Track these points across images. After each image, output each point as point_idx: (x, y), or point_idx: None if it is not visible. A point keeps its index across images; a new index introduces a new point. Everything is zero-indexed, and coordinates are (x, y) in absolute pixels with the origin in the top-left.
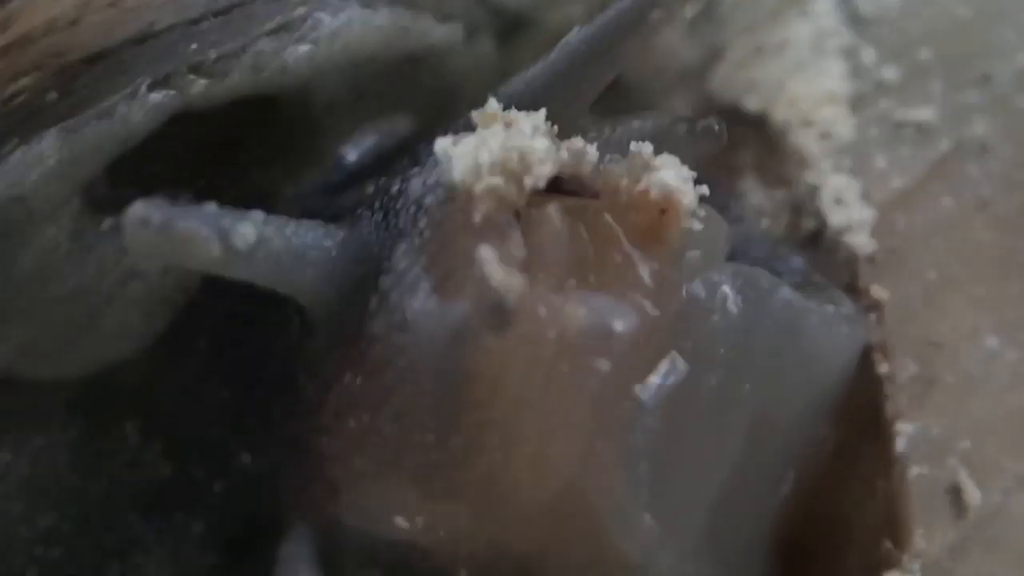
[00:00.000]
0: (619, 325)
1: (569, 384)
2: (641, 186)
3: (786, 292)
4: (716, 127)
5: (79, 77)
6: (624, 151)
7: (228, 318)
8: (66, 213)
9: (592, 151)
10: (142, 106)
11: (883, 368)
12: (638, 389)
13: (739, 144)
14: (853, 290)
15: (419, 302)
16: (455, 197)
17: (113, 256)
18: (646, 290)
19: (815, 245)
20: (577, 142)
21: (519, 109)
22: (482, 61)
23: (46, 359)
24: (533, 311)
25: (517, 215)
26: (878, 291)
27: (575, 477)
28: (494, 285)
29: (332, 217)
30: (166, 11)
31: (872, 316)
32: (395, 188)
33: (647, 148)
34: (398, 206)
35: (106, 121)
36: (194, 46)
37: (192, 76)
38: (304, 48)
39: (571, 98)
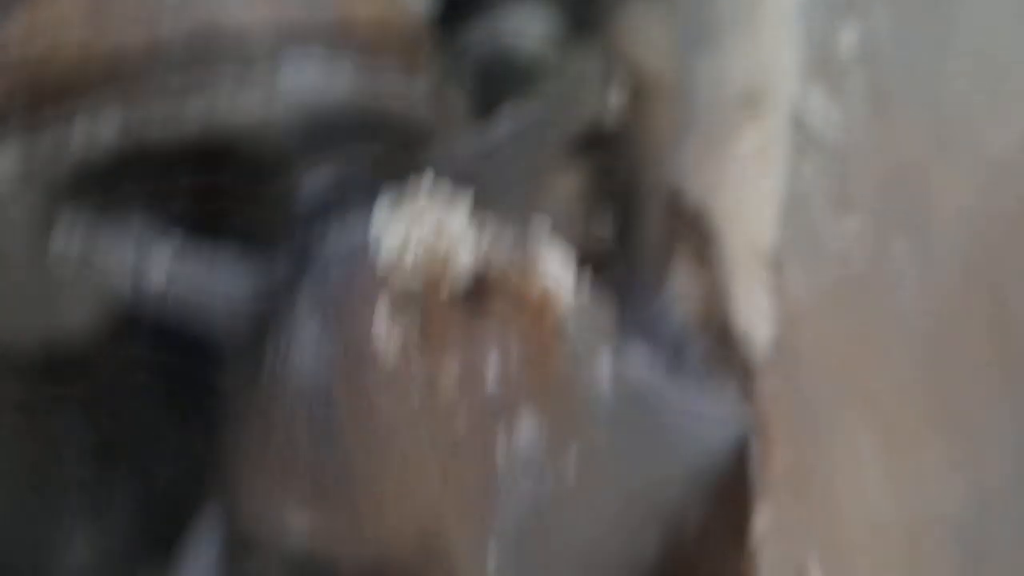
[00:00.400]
0: (489, 385)
1: (432, 433)
2: (524, 282)
3: (667, 378)
4: (605, 229)
5: (46, 97)
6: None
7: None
8: (26, 211)
9: (505, 253)
10: (98, 128)
11: (756, 457)
12: (497, 444)
13: (681, 231)
14: (745, 385)
15: (306, 338)
16: (368, 270)
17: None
18: (520, 361)
19: (721, 337)
20: (496, 245)
21: (453, 177)
22: (450, 114)
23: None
24: (408, 360)
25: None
26: (767, 388)
27: (433, 519)
28: (375, 333)
29: (272, 252)
30: (136, 57)
31: (755, 410)
32: (313, 239)
33: (536, 241)
34: (312, 257)
35: (63, 138)
36: (156, 90)
37: (148, 116)
38: (260, 104)
39: (501, 173)
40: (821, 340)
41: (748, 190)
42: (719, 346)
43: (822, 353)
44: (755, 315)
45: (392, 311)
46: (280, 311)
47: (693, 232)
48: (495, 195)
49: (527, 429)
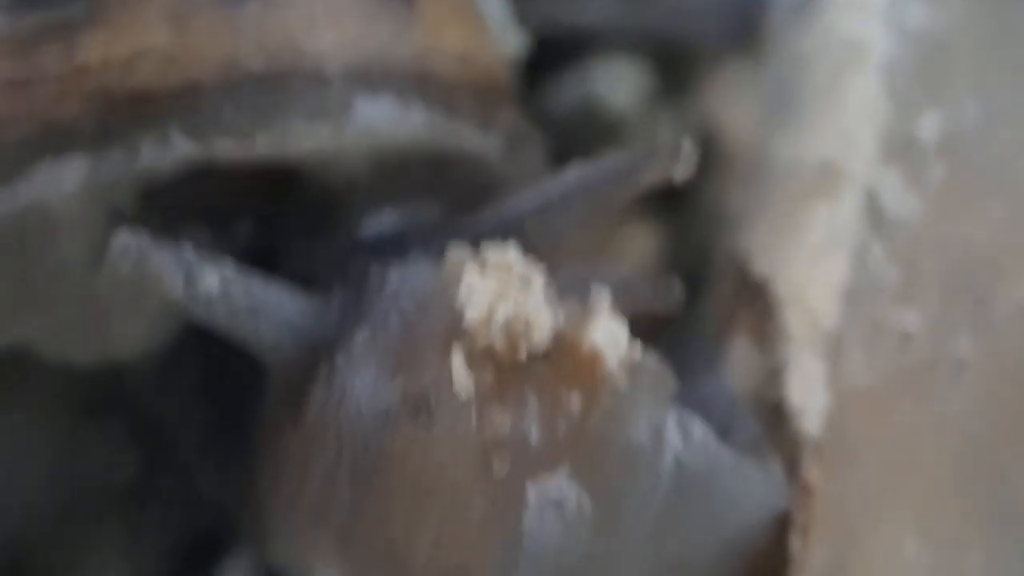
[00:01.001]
0: (534, 443)
1: (474, 489)
2: (576, 341)
3: (711, 450)
4: (674, 290)
5: (118, 115)
6: (585, 291)
7: (225, 346)
8: (87, 229)
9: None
10: (167, 151)
11: (795, 547)
12: (531, 502)
13: (744, 305)
14: (791, 469)
15: (362, 383)
16: (441, 322)
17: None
18: (563, 420)
19: (772, 416)
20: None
21: (507, 233)
22: (524, 171)
23: (56, 343)
24: (472, 415)
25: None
26: (813, 476)
27: (466, 566)
28: (446, 386)
29: (326, 289)
30: (213, 73)
31: (800, 498)
32: (372, 275)
33: (599, 298)
34: (370, 293)
35: (130, 158)
36: (229, 110)
37: (221, 136)
38: (331, 136)
39: (553, 232)
40: (872, 431)
41: (815, 271)
42: (770, 426)
43: (872, 445)
44: (809, 398)
45: (469, 365)
46: (332, 350)
47: (756, 307)
48: (550, 251)
49: (562, 488)
